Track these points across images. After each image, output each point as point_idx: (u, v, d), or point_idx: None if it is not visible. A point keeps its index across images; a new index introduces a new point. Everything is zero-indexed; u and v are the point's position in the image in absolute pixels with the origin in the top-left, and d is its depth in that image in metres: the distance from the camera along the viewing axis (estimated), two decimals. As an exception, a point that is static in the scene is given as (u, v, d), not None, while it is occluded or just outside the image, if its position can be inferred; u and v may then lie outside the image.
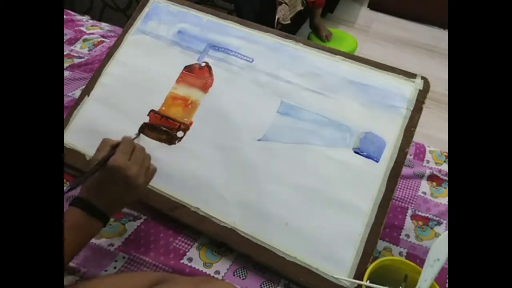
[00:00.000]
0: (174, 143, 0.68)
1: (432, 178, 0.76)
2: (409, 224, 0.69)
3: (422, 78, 0.67)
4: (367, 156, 0.63)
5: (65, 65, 0.95)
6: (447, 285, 0.59)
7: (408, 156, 0.64)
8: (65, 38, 1.04)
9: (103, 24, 1.13)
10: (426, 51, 2.23)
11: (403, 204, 0.72)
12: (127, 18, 0.82)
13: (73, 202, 0.52)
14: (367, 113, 0.66)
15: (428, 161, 0.80)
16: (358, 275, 0.56)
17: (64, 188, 0.63)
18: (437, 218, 0.70)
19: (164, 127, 0.70)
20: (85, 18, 1.15)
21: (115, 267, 0.58)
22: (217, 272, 0.59)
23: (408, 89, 0.66)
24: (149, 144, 0.69)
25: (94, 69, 0.81)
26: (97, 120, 0.73)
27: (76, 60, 0.97)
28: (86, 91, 0.76)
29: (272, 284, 0.58)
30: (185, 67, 0.74)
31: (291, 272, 0.58)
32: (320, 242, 0.59)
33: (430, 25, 2.43)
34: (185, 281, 0.54)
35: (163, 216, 0.65)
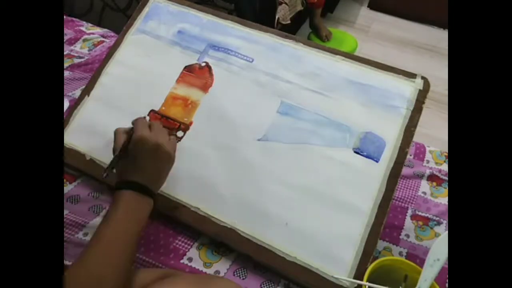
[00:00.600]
0: (174, 143, 0.68)
1: (432, 178, 0.76)
2: (409, 224, 0.69)
3: (422, 78, 0.67)
4: (367, 156, 0.63)
5: (65, 65, 0.95)
6: (447, 285, 0.59)
7: (408, 156, 0.64)
8: (65, 38, 1.04)
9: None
10: (426, 51, 2.23)
11: (403, 204, 0.72)
12: (127, 18, 0.82)
13: (118, 186, 0.52)
14: (367, 113, 0.66)
15: (428, 161, 0.80)
16: (358, 275, 0.56)
17: (64, 188, 0.63)
18: (437, 218, 0.70)
19: (164, 127, 0.70)
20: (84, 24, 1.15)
21: (115, 267, 0.58)
22: (217, 272, 0.59)
23: (408, 89, 0.66)
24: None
25: (94, 69, 0.81)
26: (97, 120, 0.73)
27: (76, 60, 0.97)
28: (86, 91, 0.76)
29: (272, 284, 0.58)
30: (185, 67, 0.74)
31: (291, 272, 0.58)
32: (320, 242, 0.59)
33: (430, 25, 2.43)
34: (189, 277, 0.54)
35: (163, 216, 0.65)
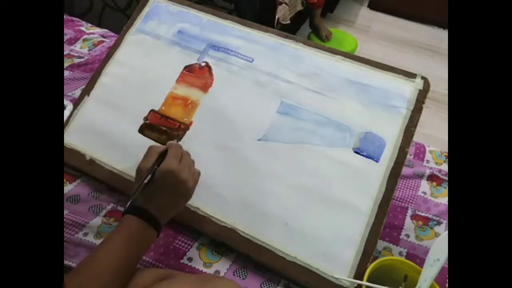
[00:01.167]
0: (174, 143, 0.68)
1: (432, 178, 0.76)
2: (409, 224, 0.69)
3: (422, 78, 0.67)
4: (367, 156, 0.63)
5: (65, 65, 0.95)
6: (447, 285, 0.59)
7: (408, 156, 0.64)
8: (65, 38, 1.04)
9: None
10: (426, 51, 2.23)
11: (403, 204, 0.72)
12: (127, 18, 0.81)
13: (129, 210, 0.51)
14: (367, 113, 0.66)
15: (428, 161, 0.80)
16: (358, 275, 0.56)
17: (65, 188, 0.63)
18: (437, 218, 0.70)
19: (164, 127, 0.70)
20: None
21: (115, 267, 0.58)
22: (217, 272, 0.59)
23: (408, 89, 0.66)
24: (149, 144, 0.69)
25: (94, 69, 0.81)
26: (97, 120, 0.73)
27: (76, 60, 0.97)
28: (86, 91, 0.76)
29: (272, 284, 0.58)
30: (185, 67, 0.74)
31: (291, 272, 0.58)
32: (320, 242, 0.59)
33: (430, 25, 2.43)
34: (189, 277, 0.54)
35: (163, 216, 0.65)
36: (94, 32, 1.08)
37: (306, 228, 0.60)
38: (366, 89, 0.67)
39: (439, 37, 2.31)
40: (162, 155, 0.55)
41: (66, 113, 0.75)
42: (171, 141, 0.57)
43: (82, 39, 1.04)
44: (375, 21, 2.44)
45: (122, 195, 0.68)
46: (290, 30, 1.79)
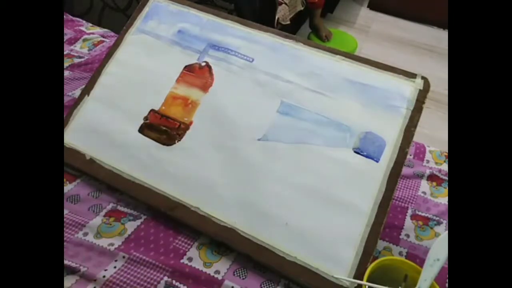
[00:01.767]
0: (174, 143, 0.68)
1: (432, 178, 0.76)
2: (409, 224, 0.69)
3: (422, 78, 0.67)
4: (367, 156, 0.63)
5: (65, 65, 0.95)
6: (447, 285, 0.59)
7: (408, 156, 0.64)
8: (65, 38, 1.04)
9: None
10: (426, 51, 2.23)
11: (403, 204, 0.72)
12: (127, 18, 0.81)
13: None
14: (367, 113, 0.66)
15: (428, 161, 0.80)
16: (358, 275, 0.56)
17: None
18: (437, 218, 0.70)
19: (164, 126, 0.70)
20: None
21: (115, 267, 0.58)
22: (217, 272, 0.59)
23: (408, 89, 0.66)
24: (149, 144, 0.69)
25: (94, 69, 0.81)
26: (97, 120, 0.73)
27: (76, 60, 0.97)
28: (86, 91, 0.76)
29: (272, 284, 0.58)
30: (185, 67, 0.74)
31: (291, 272, 0.58)
32: (320, 242, 0.59)
33: (430, 25, 2.43)
34: None
35: (163, 216, 0.65)
36: (94, 32, 1.08)
37: (306, 228, 0.60)
38: (366, 89, 0.67)
39: (439, 37, 2.31)
40: None
41: None
42: None
43: (82, 39, 1.04)
44: (375, 21, 2.45)
45: (122, 195, 0.68)
46: (290, 30, 1.80)
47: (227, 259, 0.61)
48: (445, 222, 0.69)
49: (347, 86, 0.68)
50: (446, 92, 1.80)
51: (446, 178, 0.76)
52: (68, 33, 1.06)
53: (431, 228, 0.69)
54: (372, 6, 2.54)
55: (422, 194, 0.74)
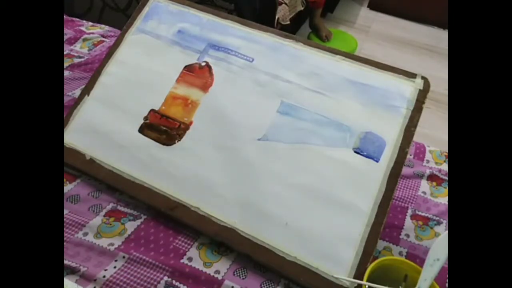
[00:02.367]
0: (174, 143, 0.68)
1: (432, 178, 0.76)
2: (409, 224, 0.69)
3: (422, 78, 0.67)
4: (367, 156, 0.63)
5: (65, 64, 0.95)
6: (447, 285, 0.59)
7: (408, 156, 0.64)
8: (65, 38, 1.04)
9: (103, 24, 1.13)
10: (426, 51, 2.23)
11: (403, 204, 0.72)
12: (127, 18, 0.81)
13: None
14: (367, 113, 0.66)
15: (428, 161, 0.80)
16: (358, 275, 0.56)
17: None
18: (437, 218, 0.70)
19: (164, 126, 0.70)
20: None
21: (115, 267, 0.58)
22: (217, 272, 0.59)
23: (408, 89, 0.66)
24: (149, 144, 0.69)
25: (94, 69, 0.81)
26: (97, 120, 0.73)
27: (76, 60, 0.97)
28: (86, 91, 0.76)
29: (272, 284, 0.58)
30: (185, 67, 0.74)
31: (291, 272, 0.58)
32: (320, 242, 0.59)
33: (430, 25, 2.43)
34: None
35: (163, 216, 0.65)
36: (94, 32, 1.08)
37: (306, 228, 0.60)
38: (366, 89, 0.67)
39: (439, 37, 2.31)
40: None
41: None
42: None
43: (82, 39, 1.04)
44: (375, 21, 2.45)
45: (122, 195, 0.68)
46: (290, 30, 1.80)
47: (227, 259, 0.61)
48: (445, 222, 0.69)
49: (347, 86, 0.68)
50: (446, 92, 1.80)
51: (446, 178, 0.76)
52: (68, 33, 1.06)
53: (431, 228, 0.69)
54: (372, 6, 2.55)
55: (422, 194, 0.74)
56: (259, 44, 0.74)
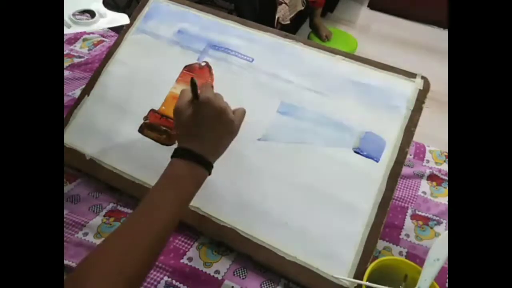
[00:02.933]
0: (174, 143, 0.68)
1: (432, 177, 0.76)
2: (409, 223, 0.69)
3: (422, 77, 0.67)
4: (367, 156, 0.63)
5: (65, 64, 0.95)
6: (447, 285, 0.59)
7: (408, 156, 0.64)
8: (65, 38, 1.04)
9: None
10: (426, 51, 2.23)
11: (403, 204, 0.72)
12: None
13: (173, 155, 0.50)
14: (367, 113, 0.66)
15: (428, 161, 0.80)
16: (358, 274, 0.56)
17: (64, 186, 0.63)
18: (437, 218, 0.70)
19: (164, 126, 0.70)
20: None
21: (115, 267, 0.58)
22: (217, 271, 0.59)
23: (408, 89, 0.66)
24: (149, 144, 0.69)
25: (94, 69, 0.81)
26: (97, 120, 0.73)
27: (76, 60, 0.97)
28: (86, 91, 0.76)
29: (272, 284, 0.58)
30: (185, 67, 0.74)
31: (291, 272, 0.58)
32: (320, 241, 0.59)
33: (430, 25, 2.43)
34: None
35: (163, 215, 0.65)
36: (94, 31, 1.08)
37: (306, 227, 0.60)
38: (366, 89, 0.67)
39: (439, 37, 2.31)
40: (196, 90, 0.52)
41: None
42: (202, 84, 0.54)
43: (82, 38, 1.04)
44: (375, 21, 2.45)
45: (122, 195, 0.68)
46: (290, 30, 1.80)
47: (227, 259, 0.61)
48: (445, 222, 0.69)
49: (347, 86, 0.68)
50: (446, 92, 1.80)
51: (446, 178, 0.76)
52: (68, 33, 1.06)
53: (431, 228, 0.69)
54: (372, 6, 2.55)
55: (422, 194, 0.74)
56: (259, 44, 0.74)
